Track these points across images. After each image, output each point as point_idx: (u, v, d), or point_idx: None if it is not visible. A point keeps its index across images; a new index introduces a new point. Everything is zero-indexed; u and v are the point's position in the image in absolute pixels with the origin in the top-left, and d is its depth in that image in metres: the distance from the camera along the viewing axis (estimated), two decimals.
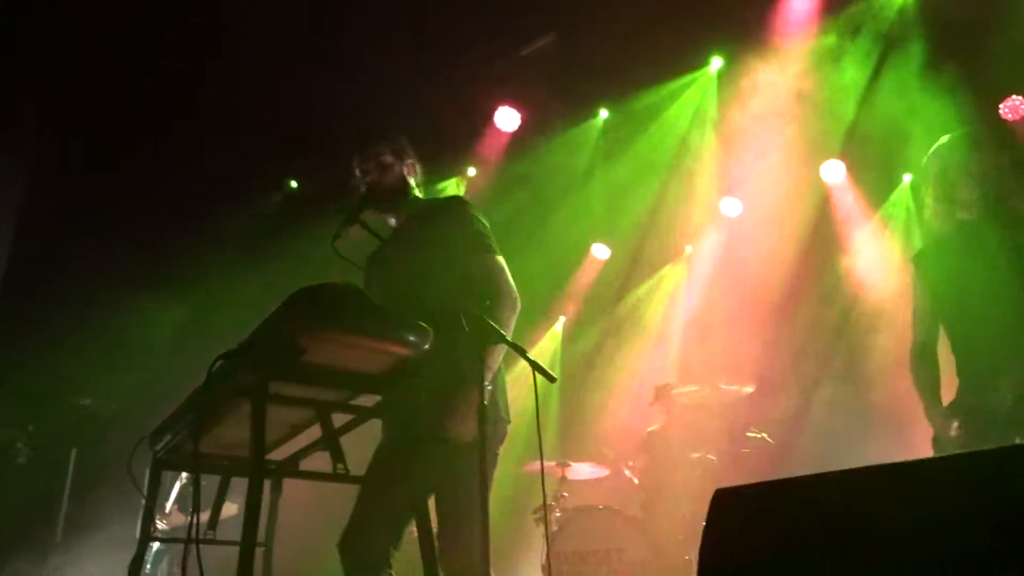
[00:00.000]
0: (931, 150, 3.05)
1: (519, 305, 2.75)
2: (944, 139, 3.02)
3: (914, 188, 6.14)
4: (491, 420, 2.49)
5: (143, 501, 2.68)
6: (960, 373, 2.90)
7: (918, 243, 5.51)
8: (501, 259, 2.76)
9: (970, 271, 2.84)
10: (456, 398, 2.51)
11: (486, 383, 2.35)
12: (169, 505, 5.27)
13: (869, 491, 1.33)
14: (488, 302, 2.62)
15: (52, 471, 5.03)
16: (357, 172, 3.04)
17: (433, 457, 2.46)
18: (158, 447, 2.66)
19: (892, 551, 1.21)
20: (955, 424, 2.76)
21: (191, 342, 6.36)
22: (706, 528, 1.44)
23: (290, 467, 2.74)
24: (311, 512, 4.26)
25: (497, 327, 2.34)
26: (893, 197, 6.44)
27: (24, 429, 4.37)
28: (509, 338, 2.43)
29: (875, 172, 6.20)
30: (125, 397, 5.17)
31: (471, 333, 2.31)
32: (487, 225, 2.86)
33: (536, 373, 2.29)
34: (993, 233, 2.82)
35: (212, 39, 5.67)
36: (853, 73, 5.53)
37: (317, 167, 7.05)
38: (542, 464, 2.33)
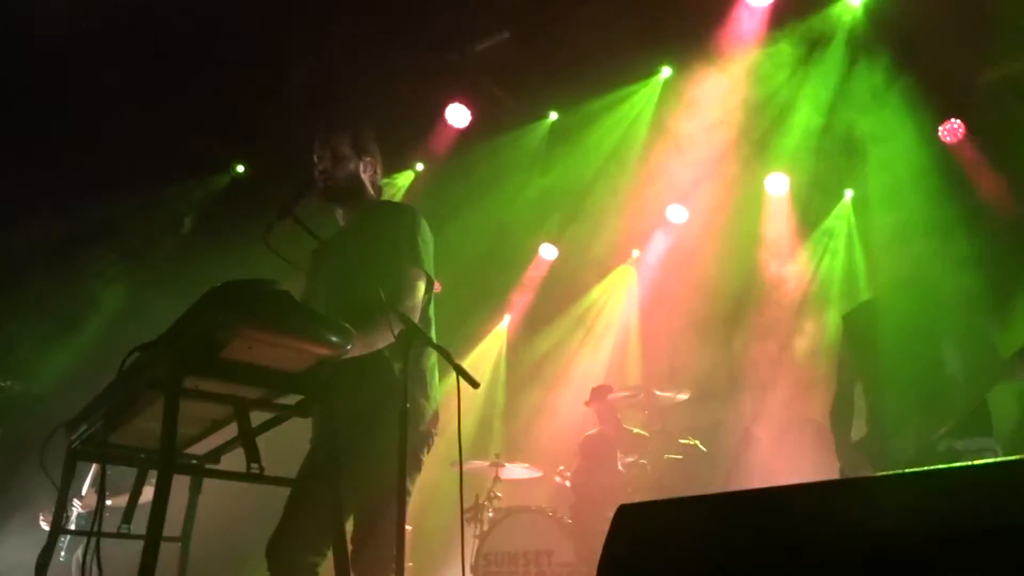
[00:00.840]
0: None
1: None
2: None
3: None
4: (413, 425, 2.46)
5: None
6: (869, 420, 3.33)
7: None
8: (421, 279, 2.69)
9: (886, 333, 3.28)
10: (386, 405, 2.46)
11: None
12: (86, 487, 5.15)
13: (772, 512, 1.35)
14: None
15: None
16: (314, 156, 2.94)
17: (356, 464, 2.43)
18: (73, 437, 2.59)
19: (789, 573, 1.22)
20: (865, 466, 3.06)
21: (130, 327, 6.23)
22: (606, 542, 1.44)
23: (210, 462, 2.69)
24: (235, 508, 4.20)
25: (423, 331, 2.32)
26: (835, 212, 6.58)
27: None
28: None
29: (820, 186, 6.31)
30: (54, 380, 5.04)
31: (398, 336, 2.29)
32: (429, 242, 2.80)
33: (459, 378, 2.29)
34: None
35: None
36: (805, 85, 5.62)
37: (264, 151, 6.96)
38: (461, 468, 2.33)
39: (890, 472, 1.25)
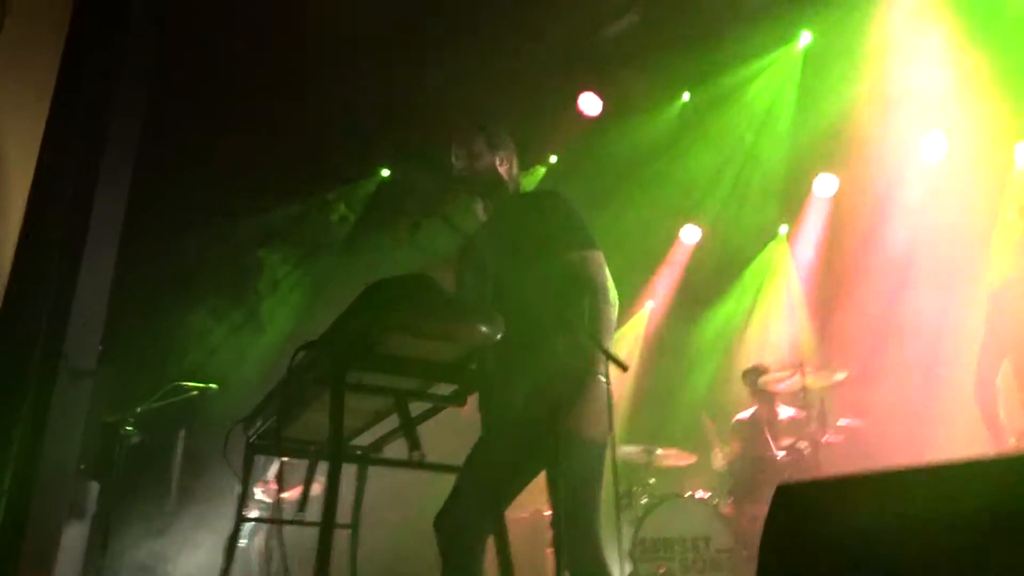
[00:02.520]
0: None
1: (617, 300, 2.74)
2: None
3: None
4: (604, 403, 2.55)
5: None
6: None
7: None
8: (600, 254, 2.73)
9: None
10: (587, 398, 2.53)
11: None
12: (271, 475, 5.52)
13: (935, 489, 1.30)
14: (588, 298, 2.62)
15: (163, 451, 5.34)
16: (452, 159, 3.07)
17: (555, 452, 2.50)
18: (250, 432, 2.80)
19: (952, 553, 1.18)
20: None
21: (300, 327, 6.66)
22: (766, 524, 1.43)
23: (374, 452, 2.84)
24: (399, 497, 4.39)
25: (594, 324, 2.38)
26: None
27: (132, 411, 4.66)
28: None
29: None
30: (230, 384, 5.42)
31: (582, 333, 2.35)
32: (583, 219, 2.84)
33: (610, 363, 2.31)
34: None
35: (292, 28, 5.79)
36: None
37: (407, 155, 7.23)
38: (614, 454, 2.35)
39: None
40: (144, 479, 5.10)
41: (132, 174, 5.92)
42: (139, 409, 4.58)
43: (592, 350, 2.47)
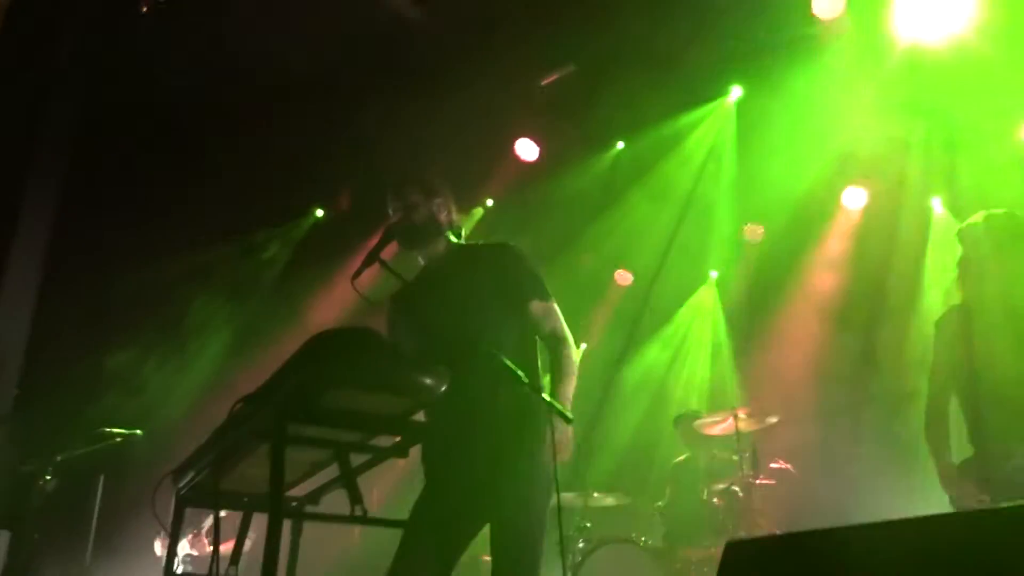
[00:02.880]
0: (968, 224, 3.28)
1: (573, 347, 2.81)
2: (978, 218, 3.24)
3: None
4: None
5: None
6: (971, 439, 3.06)
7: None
8: (556, 305, 2.81)
9: (983, 340, 3.06)
10: (532, 448, 2.56)
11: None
12: (204, 529, 5.33)
13: (882, 547, 1.33)
14: (557, 347, 2.72)
15: (80, 499, 5.10)
16: (389, 209, 3.07)
17: (503, 491, 2.49)
18: (181, 484, 2.70)
19: None
20: (978, 495, 2.85)
21: (227, 369, 6.48)
22: None
23: (310, 503, 2.77)
24: (331, 549, 4.29)
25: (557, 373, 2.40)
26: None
27: (52, 459, 4.45)
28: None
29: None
30: (153, 428, 5.23)
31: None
32: (539, 271, 2.89)
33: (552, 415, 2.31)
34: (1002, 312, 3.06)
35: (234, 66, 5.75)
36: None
37: (340, 194, 7.19)
38: (559, 501, 2.34)
39: (1010, 504, 1.22)
40: (60, 529, 4.86)
41: (55, 210, 5.74)
42: (59, 457, 4.37)
43: (537, 401, 2.47)
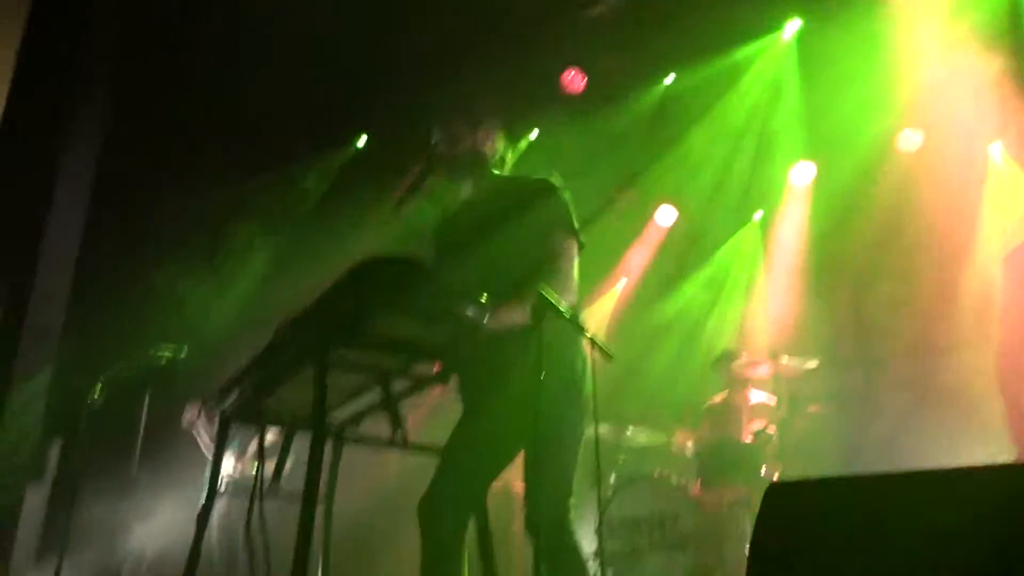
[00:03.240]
0: None
1: (574, 296, 2.71)
2: None
3: None
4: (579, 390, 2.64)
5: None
6: None
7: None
8: (575, 245, 2.75)
9: None
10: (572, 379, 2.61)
11: None
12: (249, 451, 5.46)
13: (924, 495, 1.31)
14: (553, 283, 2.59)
15: (127, 414, 5.25)
16: (434, 140, 3.04)
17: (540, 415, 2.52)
18: (224, 404, 2.76)
19: (935, 562, 1.19)
20: None
21: (264, 299, 6.58)
22: (757, 521, 1.43)
23: (351, 426, 2.82)
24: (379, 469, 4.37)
25: (557, 304, 2.35)
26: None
27: (99, 375, 4.59)
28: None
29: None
30: (197, 348, 5.34)
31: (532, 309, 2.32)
32: (569, 203, 2.85)
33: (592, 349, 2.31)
34: None
35: None
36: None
37: (384, 124, 7.13)
38: (596, 431, 2.35)
39: None
40: (108, 442, 5.02)
41: (102, 136, 5.77)
42: (106, 374, 4.50)
43: (575, 333, 2.47)
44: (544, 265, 2.66)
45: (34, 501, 4.79)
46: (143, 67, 5.93)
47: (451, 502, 2.55)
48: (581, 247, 2.79)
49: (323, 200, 7.15)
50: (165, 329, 5.86)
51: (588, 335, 2.37)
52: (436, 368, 2.32)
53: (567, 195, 2.83)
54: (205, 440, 5.23)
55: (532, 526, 2.46)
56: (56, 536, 4.55)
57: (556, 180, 2.86)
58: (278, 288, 6.23)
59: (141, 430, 5.09)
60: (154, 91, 6.07)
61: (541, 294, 2.36)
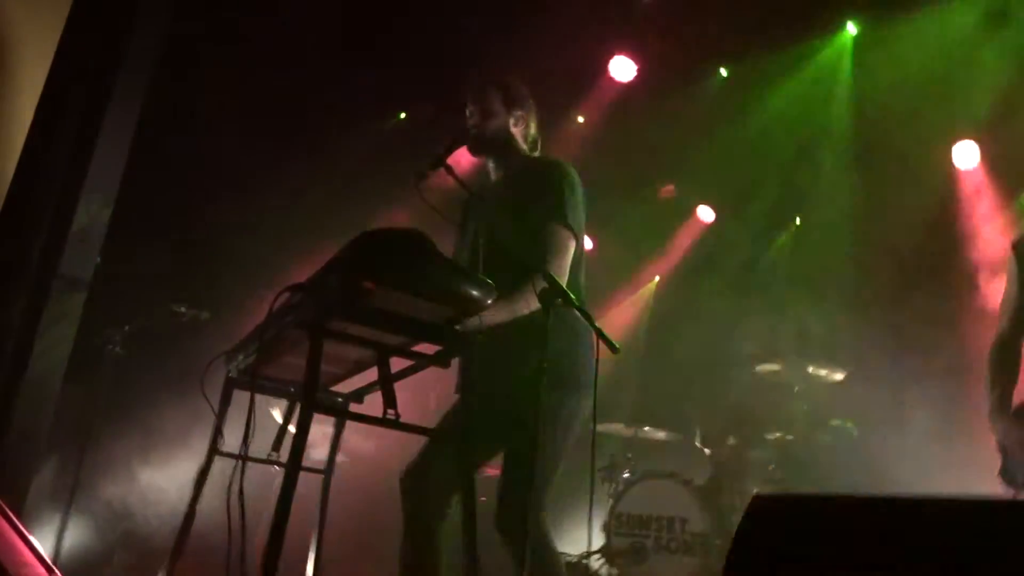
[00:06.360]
0: None
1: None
2: None
3: None
4: (579, 382, 2.59)
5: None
6: None
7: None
8: (569, 234, 2.66)
9: None
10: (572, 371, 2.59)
11: None
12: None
13: (915, 522, 1.24)
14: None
15: (148, 368, 5.31)
16: (466, 111, 3.00)
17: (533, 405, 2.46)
18: (231, 366, 2.76)
19: None
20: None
21: (292, 262, 6.58)
22: (737, 532, 1.37)
23: (355, 400, 2.80)
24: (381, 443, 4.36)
25: (565, 291, 2.29)
26: None
27: (120, 329, 4.64)
28: None
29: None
30: (219, 308, 5.36)
31: (540, 295, 2.26)
32: (579, 197, 2.76)
33: (599, 341, 2.25)
34: None
35: None
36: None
37: (426, 99, 7.09)
38: (594, 430, 2.29)
39: None
40: (126, 397, 5.08)
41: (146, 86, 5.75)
42: (128, 327, 4.56)
43: (578, 323, 2.41)
44: (540, 254, 2.58)
45: (51, 444, 4.87)
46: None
47: (437, 485, 2.53)
48: (576, 238, 2.69)
49: (358, 171, 7.13)
50: (191, 287, 5.89)
51: (596, 326, 2.30)
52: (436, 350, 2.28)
53: (575, 184, 2.75)
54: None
55: (502, 524, 2.44)
56: (69, 476, 4.65)
57: (570, 170, 2.79)
58: (306, 255, 6.22)
59: (158, 386, 5.15)
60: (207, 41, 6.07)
61: (553, 279, 2.31)
